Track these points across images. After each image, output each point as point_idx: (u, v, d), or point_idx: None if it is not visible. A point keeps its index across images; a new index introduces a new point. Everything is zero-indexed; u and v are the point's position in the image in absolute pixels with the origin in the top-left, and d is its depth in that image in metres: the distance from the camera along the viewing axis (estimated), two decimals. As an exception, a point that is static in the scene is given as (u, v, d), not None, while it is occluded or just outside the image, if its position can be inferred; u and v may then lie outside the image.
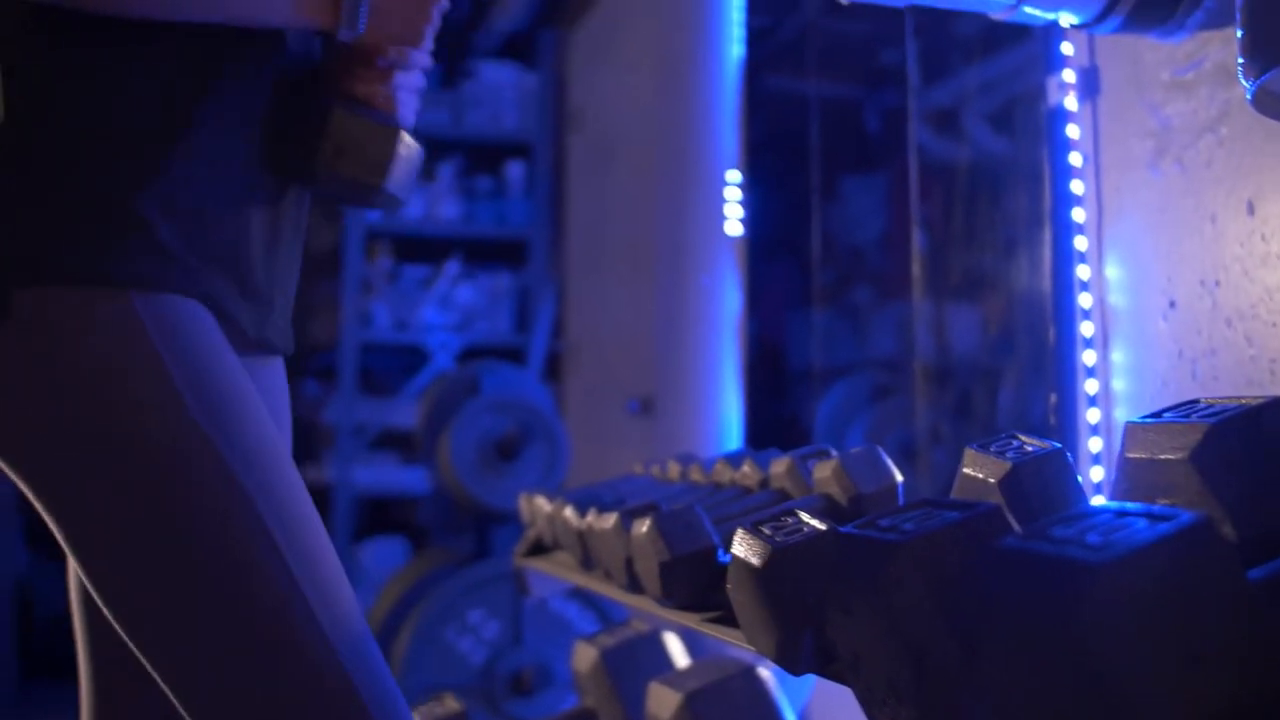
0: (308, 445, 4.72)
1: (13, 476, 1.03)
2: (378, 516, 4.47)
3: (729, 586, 1.02)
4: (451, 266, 4.30)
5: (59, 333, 0.99)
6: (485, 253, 4.41)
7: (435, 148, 4.39)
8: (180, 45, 1.09)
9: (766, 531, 0.98)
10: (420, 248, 4.39)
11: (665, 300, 3.12)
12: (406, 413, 4.27)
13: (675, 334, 3.05)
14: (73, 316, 1.00)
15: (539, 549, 1.78)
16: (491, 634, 2.47)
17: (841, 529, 0.85)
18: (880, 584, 0.76)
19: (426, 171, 4.35)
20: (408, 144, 1.19)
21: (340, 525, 4.15)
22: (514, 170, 4.36)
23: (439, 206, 4.29)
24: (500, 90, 4.38)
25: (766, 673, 1.53)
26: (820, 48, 3.05)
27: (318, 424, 4.60)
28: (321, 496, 4.46)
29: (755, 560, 0.95)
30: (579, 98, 4.24)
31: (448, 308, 4.32)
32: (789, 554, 0.94)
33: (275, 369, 1.29)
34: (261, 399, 1.12)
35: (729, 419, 2.87)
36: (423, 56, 1.20)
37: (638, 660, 1.67)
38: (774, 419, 3.28)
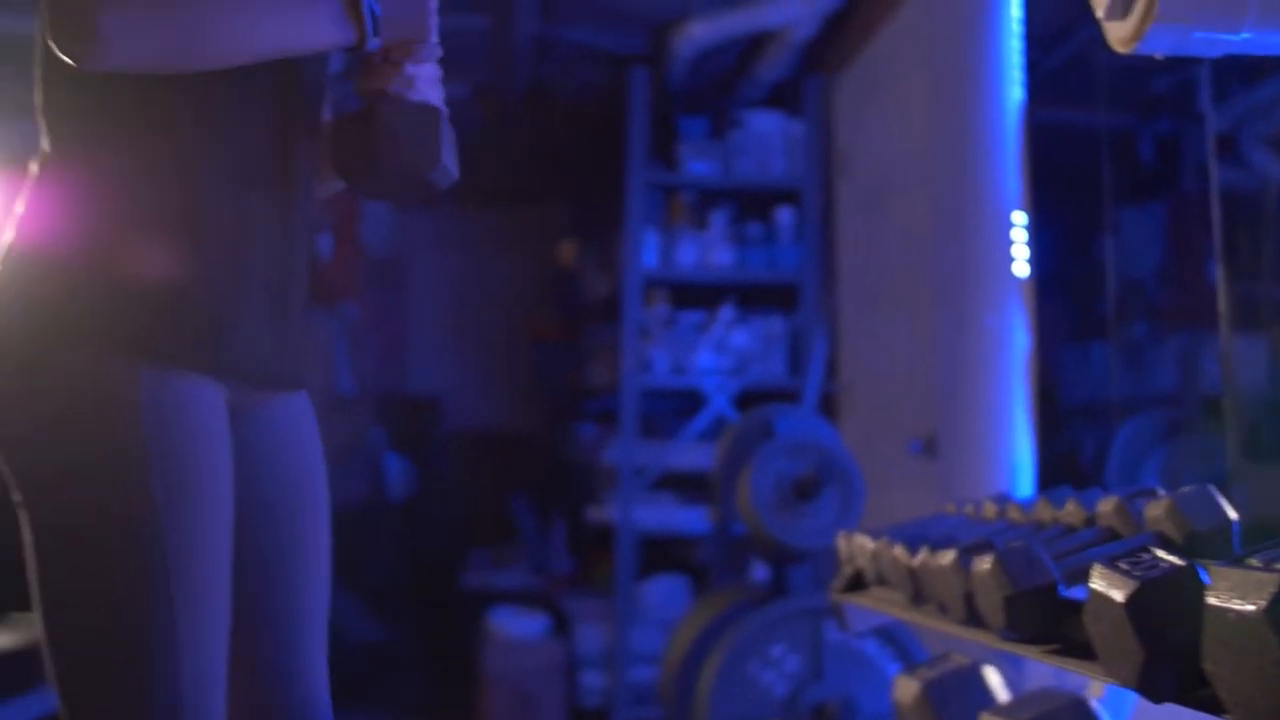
0: (588, 486, 4.92)
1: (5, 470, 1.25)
2: (658, 555, 4.62)
3: (1086, 619, 1.07)
4: (726, 311, 4.43)
5: (71, 387, 1.22)
6: (758, 297, 4.53)
7: (707, 196, 4.55)
8: (193, 111, 1.29)
9: (1124, 567, 1.04)
10: (695, 294, 4.55)
11: (947, 340, 3.16)
12: (685, 455, 4.42)
13: (959, 374, 3.08)
14: (81, 379, 1.21)
15: (855, 585, 1.86)
16: (793, 668, 2.56)
17: (1218, 563, 0.91)
18: (1272, 614, 0.81)
19: (699, 220, 4.50)
20: (447, 124, 1.35)
21: (623, 564, 4.32)
22: (784, 215, 4.47)
23: (712, 253, 4.44)
24: (768, 138, 4.49)
25: (1095, 703, 1.56)
26: (1090, 77, 3.04)
27: (597, 466, 4.79)
28: (604, 536, 4.64)
29: (1118, 594, 1.01)
30: (846, 142, 4.32)
31: (723, 352, 4.45)
32: (1153, 588, 0.99)
33: (290, 403, 1.45)
34: (269, 436, 1.39)
35: (1016, 458, 2.88)
36: (434, 48, 1.36)
37: (959, 693, 1.73)
38: (1055, 456, 3.26)
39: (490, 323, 5.86)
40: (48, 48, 1.27)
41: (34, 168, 1.34)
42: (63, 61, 1.22)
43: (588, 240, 5.36)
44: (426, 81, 1.37)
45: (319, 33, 1.30)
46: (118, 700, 1.20)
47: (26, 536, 1.24)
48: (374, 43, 1.32)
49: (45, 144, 1.33)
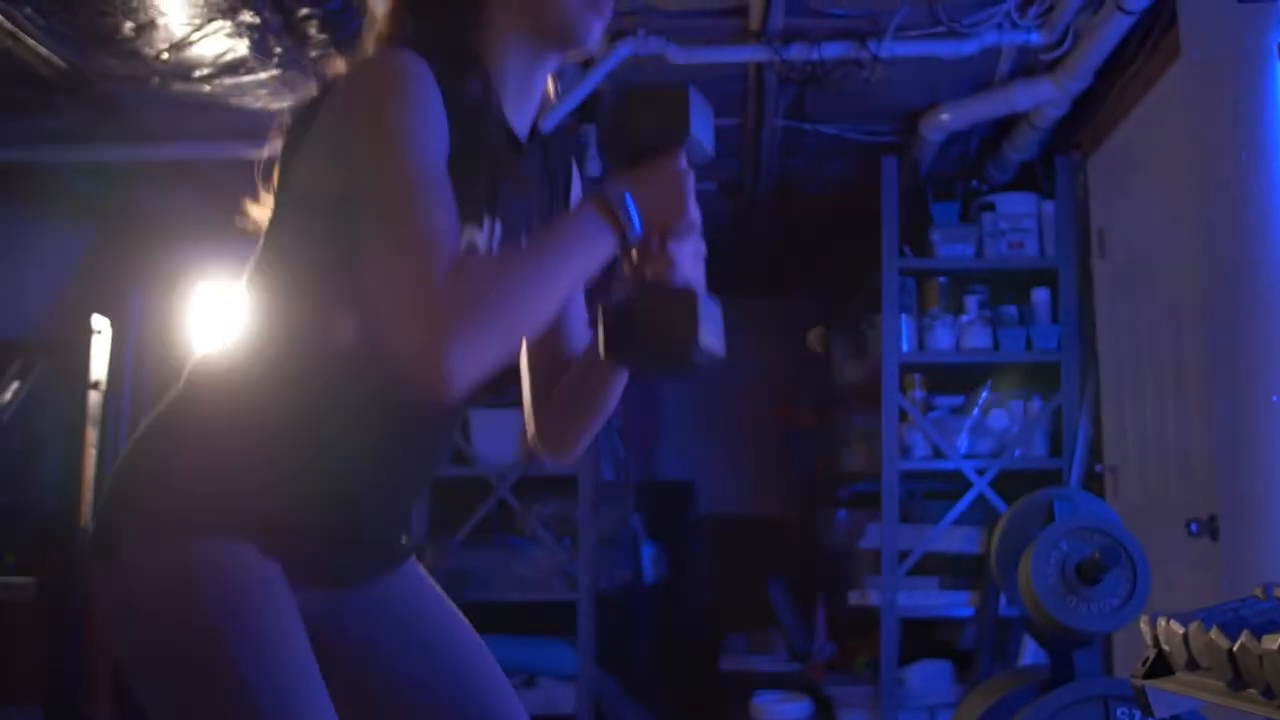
0: (846, 571, 4.94)
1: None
2: (919, 639, 4.60)
3: None
4: (984, 394, 4.42)
5: (162, 570, 1.31)
6: (1015, 379, 4.50)
7: (960, 280, 4.56)
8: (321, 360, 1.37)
9: None
10: (952, 377, 4.56)
11: (1226, 418, 3.09)
12: (947, 538, 4.41)
13: (1241, 452, 3.00)
14: (169, 562, 1.31)
15: (1157, 670, 1.85)
16: (1083, 755, 2.53)
17: None
18: None
19: (953, 303, 4.52)
20: (707, 303, 1.34)
21: (887, 648, 4.31)
22: (1040, 296, 4.45)
23: (967, 336, 4.44)
24: (1020, 219, 4.49)
25: None
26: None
27: (855, 550, 4.81)
28: (864, 620, 4.65)
29: None
30: (1101, 221, 4.28)
31: (981, 434, 4.43)
32: None
33: (395, 578, 1.56)
34: (375, 613, 1.51)
35: (1308, 538, 2.79)
36: (691, 225, 1.35)
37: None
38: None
39: (741, 409, 5.97)
40: (270, 259, 1.41)
41: (213, 356, 1.45)
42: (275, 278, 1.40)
43: (837, 327, 5.43)
44: (688, 258, 1.37)
45: (596, 259, 1.32)
46: None
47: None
48: (635, 237, 1.33)
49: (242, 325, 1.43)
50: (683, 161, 1.35)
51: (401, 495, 1.52)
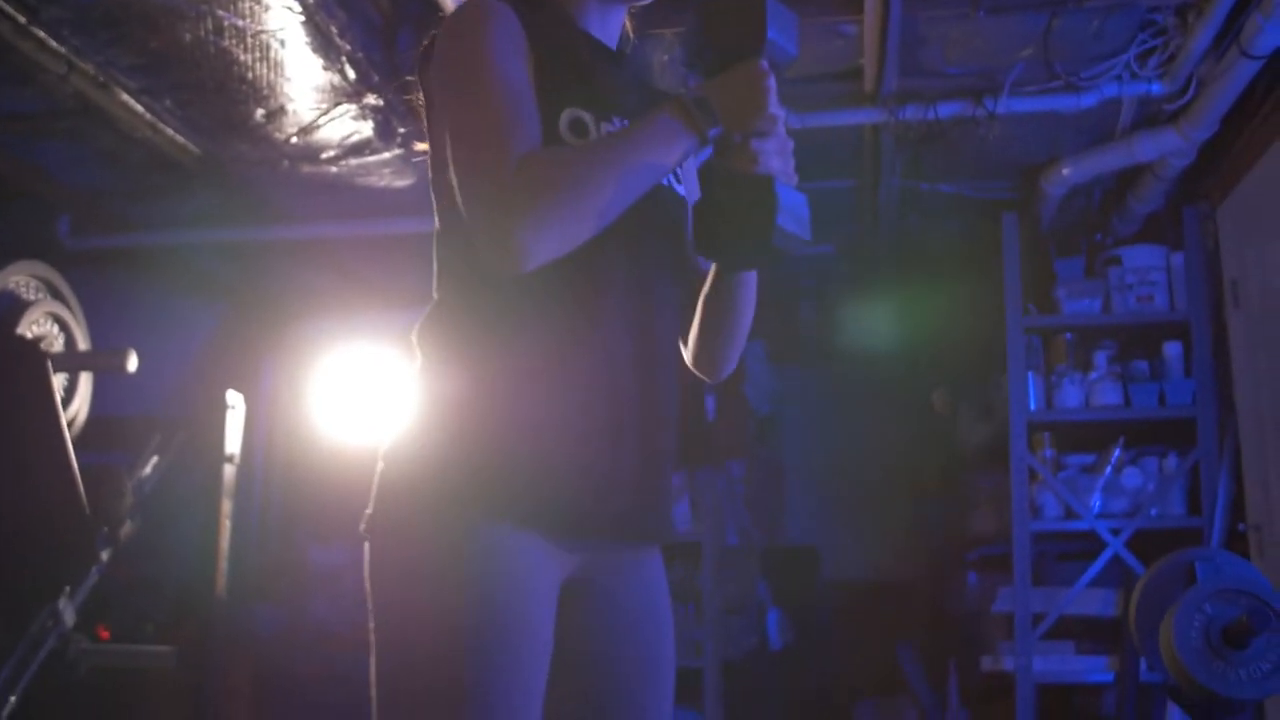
0: (977, 635, 4.82)
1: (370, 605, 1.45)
2: (1056, 706, 4.46)
3: None
4: (1116, 452, 4.31)
5: (418, 540, 1.41)
6: (1149, 436, 4.38)
7: (1087, 336, 4.47)
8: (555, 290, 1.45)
9: None
10: (1082, 435, 4.45)
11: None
12: (1082, 601, 4.28)
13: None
14: (429, 540, 1.40)
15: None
16: (1238, 828, 2.42)
17: None
18: None
19: (1081, 360, 4.42)
20: (787, 188, 1.41)
21: (1023, 714, 4.19)
22: (1171, 350, 4.33)
23: (1097, 393, 4.34)
24: (1148, 272, 4.39)
25: None
26: None
27: (986, 614, 4.70)
28: (997, 685, 4.53)
29: None
30: (1234, 271, 4.16)
31: (1115, 493, 4.31)
32: None
33: (646, 567, 1.57)
34: (610, 591, 1.53)
35: None
36: (772, 121, 1.43)
37: None
38: None
39: (865, 472, 5.89)
40: (447, 253, 1.53)
41: (420, 357, 1.53)
42: (456, 267, 1.49)
43: (962, 387, 5.34)
44: (772, 153, 1.45)
45: (671, 154, 1.42)
46: None
47: (371, 661, 1.42)
48: (715, 132, 1.44)
49: (430, 334, 1.52)
50: (763, 63, 1.44)
51: (642, 434, 1.52)
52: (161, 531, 4.83)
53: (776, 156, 1.45)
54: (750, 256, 1.49)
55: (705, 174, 1.49)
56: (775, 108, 1.44)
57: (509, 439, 1.43)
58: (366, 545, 1.46)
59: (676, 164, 1.44)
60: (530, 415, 1.44)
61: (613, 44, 1.66)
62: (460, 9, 1.51)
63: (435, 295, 1.55)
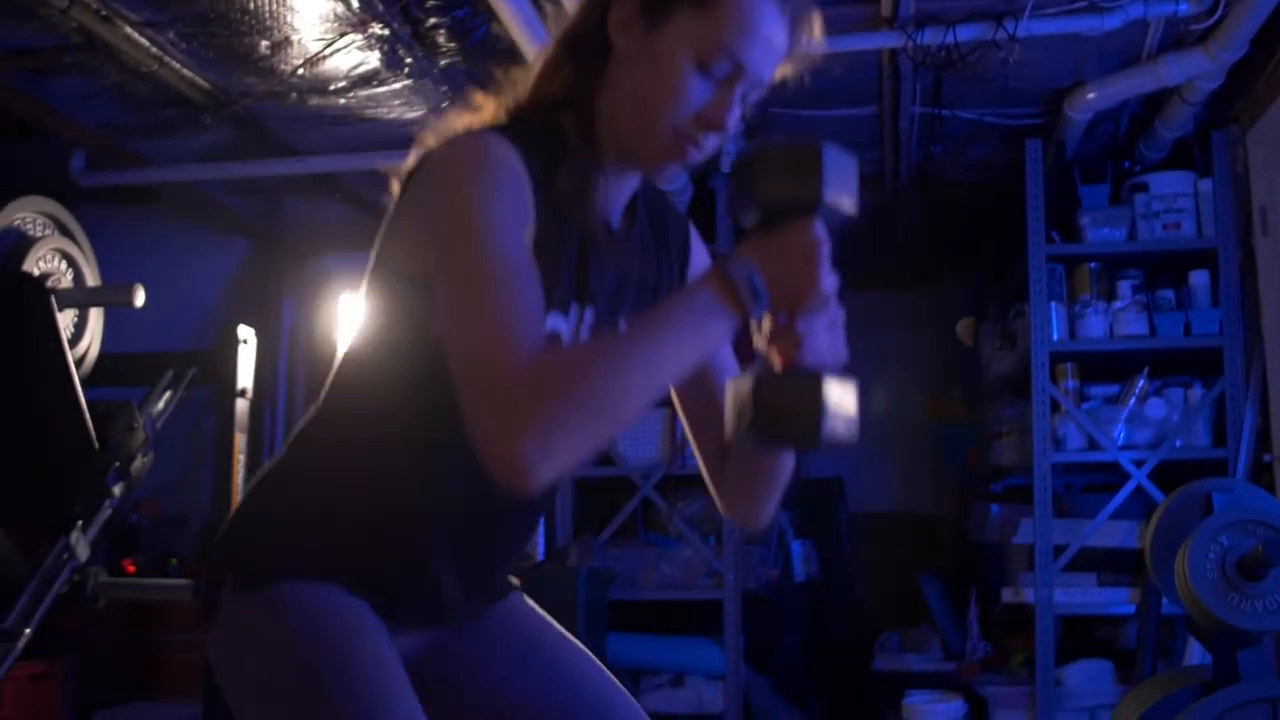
0: (999, 567, 4.80)
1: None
2: (1078, 638, 4.44)
3: None
4: (1140, 382, 4.24)
5: (253, 613, 1.35)
6: (1173, 366, 4.31)
7: (1111, 265, 4.39)
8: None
9: None
10: (1105, 366, 4.38)
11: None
12: (1104, 533, 4.24)
13: None
14: (261, 608, 1.35)
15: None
16: (1249, 762, 2.40)
17: None
18: None
19: (1106, 289, 4.35)
20: (835, 384, 1.22)
21: (1043, 647, 4.17)
22: (1198, 279, 4.24)
23: (1121, 323, 4.27)
24: (1175, 199, 4.30)
25: None
26: None
27: (1008, 546, 4.67)
28: (1019, 618, 4.51)
29: None
30: (1263, 198, 4.06)
31: (1139, 424, 4.25)
32: None
33: (500, 611, 1.56)
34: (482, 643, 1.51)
35: None
36: (824, 300, 1.22)
37: None
38: None
39: (889, 403, 5.84)
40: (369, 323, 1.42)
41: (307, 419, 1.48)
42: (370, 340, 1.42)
43: (986, 317, 5.28)
44: (821, 335, 1.25)
45: (708, 340, 1.22)
46: None
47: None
48: (760, 311, 1.21)
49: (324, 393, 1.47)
50: (818, 228, 1.22)
51: (495, 550, 1.51)
52: (188, 468, 4.87)
53: (827, 337, 1.26)
54: (788, 448, 1.40)
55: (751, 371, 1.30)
56: (829, 284, 1.23)
57: (352, 518, 1.39)
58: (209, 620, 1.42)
59: (712, 351, 1.27)
60: (386, 506, 1.40)
61: (626, 196, 1.47)
62: (464, 147, 1.30)
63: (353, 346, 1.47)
